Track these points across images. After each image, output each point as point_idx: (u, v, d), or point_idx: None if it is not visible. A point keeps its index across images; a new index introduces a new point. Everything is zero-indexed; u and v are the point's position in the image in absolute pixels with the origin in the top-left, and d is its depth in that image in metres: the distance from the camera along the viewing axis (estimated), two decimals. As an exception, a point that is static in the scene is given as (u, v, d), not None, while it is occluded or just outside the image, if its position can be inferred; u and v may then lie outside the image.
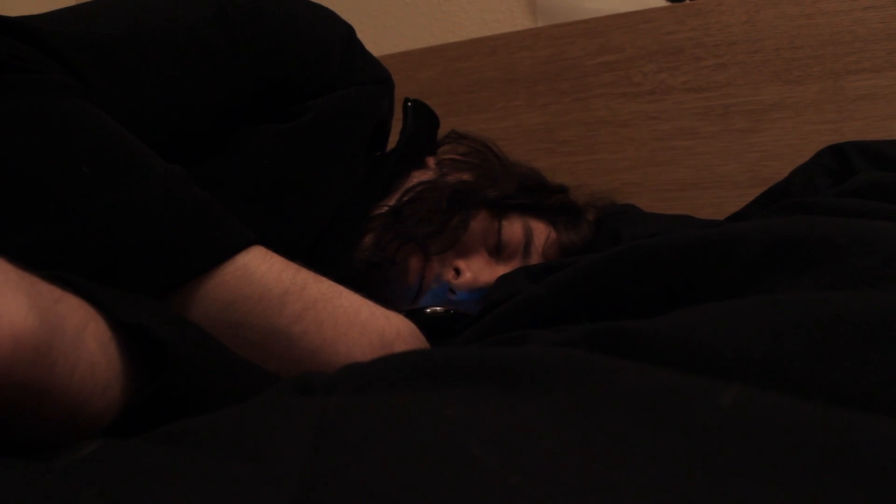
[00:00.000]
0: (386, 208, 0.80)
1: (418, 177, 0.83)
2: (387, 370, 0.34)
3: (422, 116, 0.88)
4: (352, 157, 0.76)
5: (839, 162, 0.77)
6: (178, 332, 0.41)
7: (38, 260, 0.45)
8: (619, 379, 0.28)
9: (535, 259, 0.85)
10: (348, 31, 0.77)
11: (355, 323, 0.53)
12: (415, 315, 0.73)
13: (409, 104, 0.87)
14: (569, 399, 0.27)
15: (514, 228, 0.83)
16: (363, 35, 0.96)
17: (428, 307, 0.79)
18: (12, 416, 0.31)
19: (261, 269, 0.51)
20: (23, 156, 0.47)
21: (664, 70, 1.14)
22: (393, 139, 0.87)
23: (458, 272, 0.80)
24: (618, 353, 0.31)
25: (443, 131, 0.94)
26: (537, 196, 0.87)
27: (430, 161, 0.87)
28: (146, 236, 0.48)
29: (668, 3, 1.17)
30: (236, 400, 0.38)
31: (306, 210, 0.72)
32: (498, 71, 1.25)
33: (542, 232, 0.85)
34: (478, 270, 0.81)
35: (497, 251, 0.83)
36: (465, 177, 0.84)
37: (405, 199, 0.80)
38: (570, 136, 1.18)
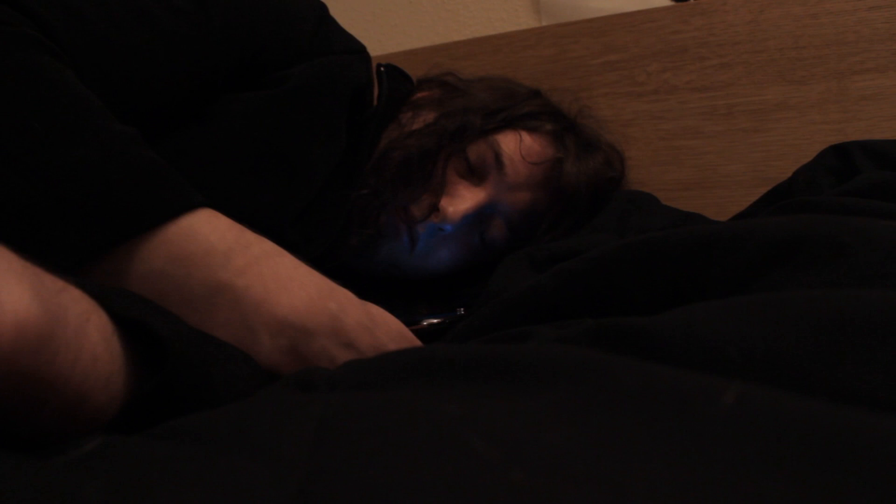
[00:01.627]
0: (365, 191, 0.82)
1: (387, 136, 0.85)
2: (389, 367, 0.34)
3: (395, 79, 0.91)
4: (333, 123, 0.78)
5: (842, 161, 0.77)
6: (176, 328, 0.41)
7: None
8: (621, 376, 0.28)
9: (510, 169, 0.85)
10: (320, 6, 0.80)
11: (295, 277, 0.55)
12: (413, 330, 0.74)
13: (382, 69, 0.89)
14: (571, 396, 0.27)
15: (479, 150, 0.85)
16: (367, 34, 0.97)
17: (425, 320, 0.79)
18: (15, 407, 0.31)
19: (206, 230, 0.53)
20: None
21: (668, 69, 1.13)
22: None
23: (439, 210, 0.82)
24: (621, 350, 0.31)
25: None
26: (504, 113, 0.88)
27: (402, 116, 0.89)
28: (93, 193, 0.49)
29: (673, 3, 1.17)
30: (235, 395, 0.38)
31: (293, 176, 0.74)
32: (502, 70, 1.25)
33: (510, 140, 0.87)
34: (458, 201, 0.83)
35: (470, 175, 0.85)
36: (430, 117, 0.86)
37: (376, 168, 0.82)
38: (574, 135, 1.18)
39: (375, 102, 0.86)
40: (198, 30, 0.66)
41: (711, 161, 1.12)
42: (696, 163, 1.13)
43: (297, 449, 0.26)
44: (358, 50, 0.84)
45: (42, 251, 0.47)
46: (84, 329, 0.34)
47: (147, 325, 0.38)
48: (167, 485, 0.25)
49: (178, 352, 0.39)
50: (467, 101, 0.89)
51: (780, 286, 0.36)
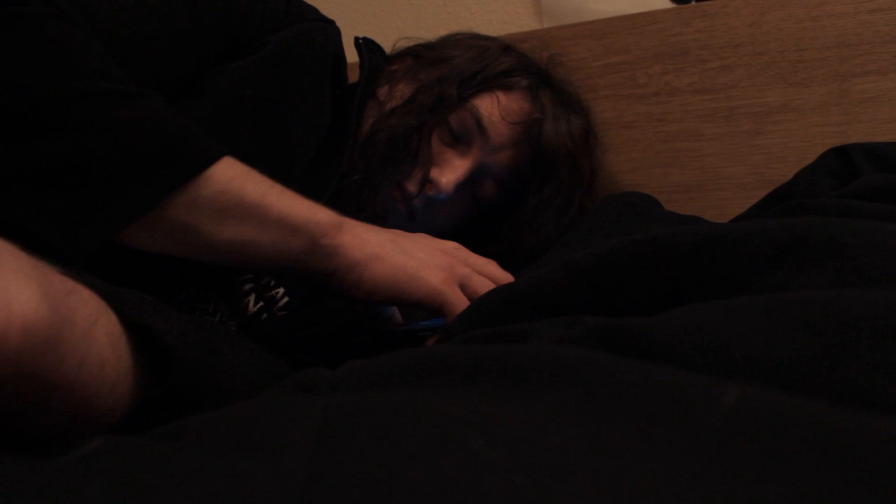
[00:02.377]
0: (357, 177, 0.85)
1: (369, 115, 0.89)
2: (390, 368, 0.34)
3: (373, 50, 0.95)
4: (317, 87, 0.82)
5: (843, 164, 0.77)
6: (183, 334, 0.41)
7: (31, 173, 0.53)
8: (622, 378, 0.28)
9: (492, 132, 0.88)
10: None
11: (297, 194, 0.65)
12: (413, 335, 0.74)
13: (361, 41, 0.94)
14: (573, 397, 0.27)
15: (460, 117, 0.88)
16: (368, 37, 0.98)
17: (423, 327, 0.79)
18: (20, 408, 0.31)
19: (242, 166, 0.63)
20: (26, 79, 0.54)
21: (669, 72, 1.13)
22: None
23: (431, 182, 0.86)
24: (623, 351, 0.31)
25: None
26: (479, 75, 0.91)
27: (379, 91, 0.92)
28: (147, 146, 0.57)
29: (674, 5, 1.17)
30: (239, 397, 0.38)
31: (287, 138, 0.79)
32: (503, 72, 1.25)
33: (488, 103, 0.89)
34: (448, 170, 0.87)
35: (455, 144, 0.89)
36: (407, 91, 0.89)
37: (363, 153, 0.86)
38: (575, 137, 1.18)
39: (359, 75, 0.89)
40: (186, 10, 0.70)
41: (712, 163, 1.12)
42: (697, 165, 1.13)
43: (298, 450, 0.26)
44: (330, 20, 0.88)
45: (104, 206, 0.55)
46: (91, 332, 0.34)
47: (154, 331, 0.38)
48: (167, 485, 0.25)
49: (183, 360, 0.39)
50: (440, 69, 0.91)
51: (782, 287, 0.36)
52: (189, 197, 0.59)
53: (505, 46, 0.98)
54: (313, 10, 0.88)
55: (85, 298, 0.35)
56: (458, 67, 0.91)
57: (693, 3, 1.15)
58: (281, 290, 0.79)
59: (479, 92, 0.89)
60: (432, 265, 0.67)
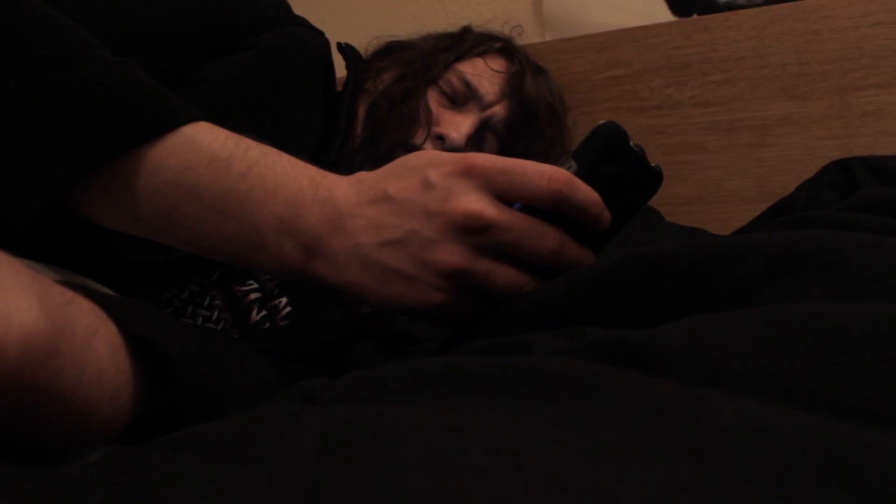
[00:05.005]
0: (358, 140, 0.90)
1: (364, 102, 0.94)
2: (391, 379, 0.34)
3: (356, 54, 1.02)
4: (311, 88, 0.85)
5: (845, 177, 0.78)
6: (183, 343, 0.41)
7: None
8: (621, 390, 0.28)
9: (482, 88, 0.95)
10: None
11: (290, 174, 0.55)
12: (414, 340, 0.74)
13: (343, 45, 1.00)
14: (572, 409, 0.28)
15: (450, 80, 0.95)
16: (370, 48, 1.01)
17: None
18: (19, 420, 0.31)
19: (207, 138, 0.55)
20: None
21: (671, 85, 1.14)
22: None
23: (442, 139, 0.90)
24: (623, 363, 0.31)
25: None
26: (455, 48, 0.99)
27: (367, 84, 0.98)
28: (101, 106, 0.53)
29: (676, 19, 1.18)
30: (242, 407, 0.38)
31: (278, 142, 0.77)
32: (505, 84, 1.25)
33: (470, 66, 0.97)
34: (456, 126, 0.92)
35: (451, 105, 0.95)
36: (395, 73, 0.96)
37: (366, 124, 0.91)
38: (577, 149, 1.18)
39: (346, 76, 0.94)
40: (179, 3, 0.72)
41: (714, 176, 1.12)
42: (698, 178, 1.13)
43: (299, 461, 0.26)
44: (319, 31, 0.92)
45: (53, 163, 0.52)
46: (91, 343, 0.34)
47: (154, 342, 0.38)
48: (169, 495, 0.25)
49: (184, 370, 0.39)
50: (419, 49, 1.00)
51: (782, 300, 0.36)
52: (126, 181, 0.53)
53: (466, 27, 1.07)
54: (303, 19, 0.91)
55: (84, 310, 0.35)
56: (433, 46, 0.99)
57: (695, 16, 1.15)
58: (284, 300, 0.79)
59: (459, 59, 0.97)
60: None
